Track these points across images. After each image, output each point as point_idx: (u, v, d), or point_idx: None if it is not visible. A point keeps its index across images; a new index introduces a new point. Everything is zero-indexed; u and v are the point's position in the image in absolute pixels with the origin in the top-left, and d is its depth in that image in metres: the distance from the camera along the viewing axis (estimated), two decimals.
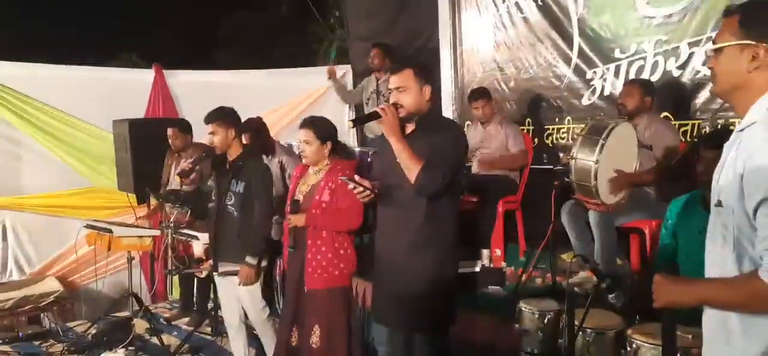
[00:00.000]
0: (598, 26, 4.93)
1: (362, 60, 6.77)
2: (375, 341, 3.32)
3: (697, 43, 4.28)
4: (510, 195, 4.90)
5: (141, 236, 4.79)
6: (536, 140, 5.39)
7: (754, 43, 1.57)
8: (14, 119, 5.72)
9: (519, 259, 4.61)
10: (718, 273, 1.64)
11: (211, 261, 4.04)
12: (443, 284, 2.84)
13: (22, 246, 5.88)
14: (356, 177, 3.07)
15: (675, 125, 4.31)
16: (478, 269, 4.63)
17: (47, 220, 5.89)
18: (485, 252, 4.75)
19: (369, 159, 4.48)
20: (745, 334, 1.57)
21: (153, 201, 5.35)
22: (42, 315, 5.47)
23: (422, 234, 2.80)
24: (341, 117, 6.75)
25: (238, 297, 3.93)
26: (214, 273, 4.04)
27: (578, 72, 5.10)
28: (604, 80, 4.89)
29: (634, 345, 2.68)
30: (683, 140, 4.16)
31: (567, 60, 5.18)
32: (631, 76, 4.61)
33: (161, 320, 5.36)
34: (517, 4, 5.59)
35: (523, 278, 4.21)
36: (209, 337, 4.86)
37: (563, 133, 5.26)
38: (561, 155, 5.13)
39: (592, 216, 3.77)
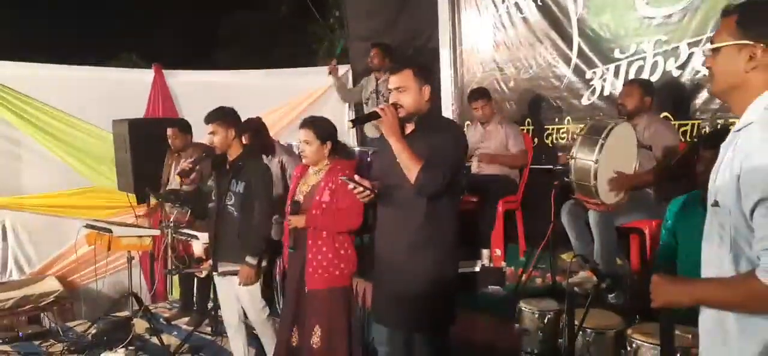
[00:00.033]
0: (598, 26, 4.94)
1: (362, 60, 6.77)
2: (375, 341, 3.32)
3: (696, 44, 4.28)
4: (510, 195, 4.91)
5: (141, 236, 4.79)
6: (536, 140, 5.40)
7: (751, 43, 1.57)
8: (14, 118, 5.72)
9: (519, 259, 4.61)
10: (714, 273, 1.64)
11: (210, 261, 4.04)
12: (443, 284, 2.84)
13: (22, 246, 5.88)
14: (356, 177, 3.07)
15: (675, 125, 4.32)
16: (478, 269, 4.63)
17: (47, 220, 5.89)
18: (485, 252, 4.75)
19: (369, 159, 4.48)
20: (742, 334, 1.57)
21: (152, 200, 5.35)
22: (42, 314, 5.48)
23: (422, 234, 2.80)
24: (341, 117, 6.75)
25: (237, 296, 3.93)
26: (214, 273, 4.04)
27: (578, 72, 5.10)
28: (604, 80, 4.90)
29: (634, 345, 2.69)
30: (683, 140, 4.16)
31: (567, 60, 5.18)
32: (631, 76, 4.62)
33: (161, 320, 5.36)
34: (516, 4, 5.59)
35: (523, 278, 4.21)
36: (209, 337, 4.86)
37: (563, 133, 5.26)
38: (559, 154, 5.13)
39: (592, 216, 3.77)
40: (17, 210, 5.81)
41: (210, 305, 5.01)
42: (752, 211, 1.49)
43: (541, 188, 4.41)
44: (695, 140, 4.19)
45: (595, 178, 3.46)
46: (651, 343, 2.60)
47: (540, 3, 5.36)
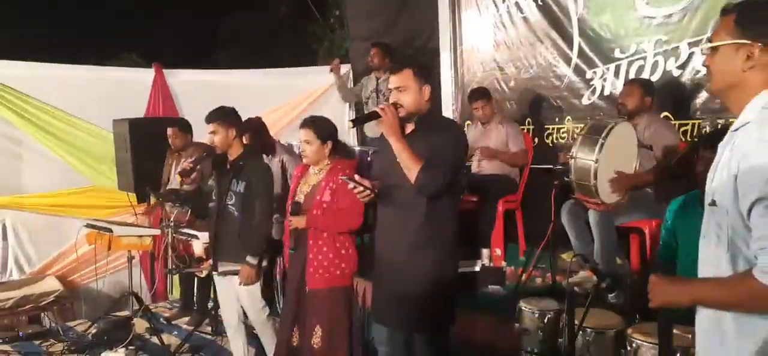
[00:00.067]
0: (598, 26, 4.94)
1: (362, 60, 6.78)
2: (375, 341, 3.32)
3: (697, 43, 4.29)
4: (510, 195, 4.91)
5: (141, 236, 4.79)
6: (536, 139, 5.40)
7: (749, 42, 1.57)
8: (15, 118, 5.72)
9: (519, 259, 4.62)
10: (711, 273, 1.64)
11: (211, 261, 4.04)
12: (443, 284, 2.84)
13: (22, 246, 5.89)
14: (356, 177, 3.06)
15: (675, 124, 4.32)
16: (478, 268, 4.63)
17: (47, 219, 5.89)
18: (485, 252, 4.75)
19: (369, 159, 4.48)
20: (739, 334, 1.57)
21: (152, 199, 5.35)
22: (42, 314, 5.48)
23: (422, 234, 2.80)
24: (341, 117, 6.75)
25: (237, 296, 3.93)
26: (214, 273, 4.04)
27: (578, 72, 5.10)
28: (604, 80, 4.90)
29: (634, 345, 2.69)
30: (683, 139, 4.17)
31: (567, 60, 5.19)
32: (631, 76, 4.62)
33: (161, 319, 5.36)
34: (517, 3, 5.60)
35: (523, 277, 4.22)
36: (209, 337, 4.86)
37: (563, 133, 5.27)
38: (559, 154, 5.13)
39: (592, 216, 3.77)
40: (17, 209, 5.81)
41: (210, 305, 5.02)
42: (749, 210, 1.49)
43: (541, 187, 4.41)
44: (695, 139, 4.19)
45: (595, 177, 3.46)
46: (651, 343, 2.60)
47: (540, 3, 5.36)
